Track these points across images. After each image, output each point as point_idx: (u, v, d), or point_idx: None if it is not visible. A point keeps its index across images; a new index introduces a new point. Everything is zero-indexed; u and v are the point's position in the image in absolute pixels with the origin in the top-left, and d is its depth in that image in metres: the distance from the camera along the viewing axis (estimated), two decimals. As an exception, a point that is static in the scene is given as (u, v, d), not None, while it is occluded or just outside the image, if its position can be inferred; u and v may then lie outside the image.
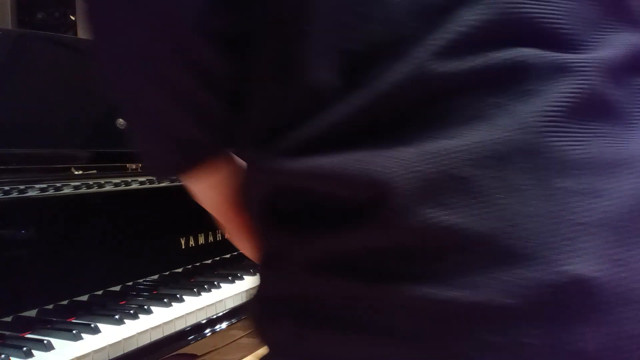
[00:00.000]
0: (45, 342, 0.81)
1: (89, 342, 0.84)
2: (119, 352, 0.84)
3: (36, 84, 1.12)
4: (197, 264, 1.30)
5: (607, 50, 0.28)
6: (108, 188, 1.07)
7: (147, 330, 0.89)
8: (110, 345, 0.83)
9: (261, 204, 0.34)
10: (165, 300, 1.01)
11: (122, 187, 1.10)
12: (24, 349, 0.78)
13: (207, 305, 1.03)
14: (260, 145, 0.33)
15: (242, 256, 1.40)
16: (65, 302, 1.00)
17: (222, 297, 1.06)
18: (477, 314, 0.24)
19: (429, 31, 0.27)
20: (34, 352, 0.79)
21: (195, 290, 1.08)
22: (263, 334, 0.36)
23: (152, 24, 0.33)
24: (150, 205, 1.19)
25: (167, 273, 1.22)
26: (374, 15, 0.28)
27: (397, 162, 0.25)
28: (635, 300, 0.24)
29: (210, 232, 1.31)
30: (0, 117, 1.00)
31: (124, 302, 1.04)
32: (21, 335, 0.87)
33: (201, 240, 1.29)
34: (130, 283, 1.12)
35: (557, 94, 0.26)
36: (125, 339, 0.86)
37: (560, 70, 0.27)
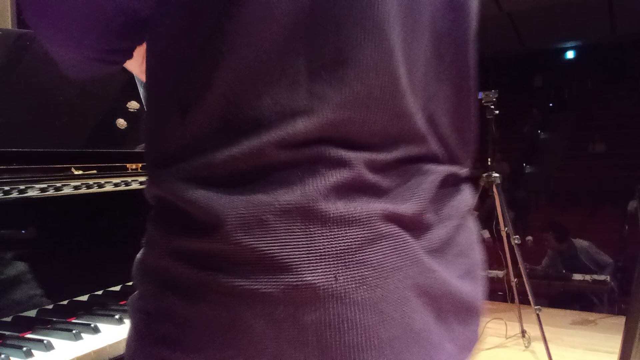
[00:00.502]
0: (45, 342, 0.81)
1: (89, 342, 0.84)
2: (119, 352, 0.84)
3: (36, 84, 1.12)
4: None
5: (381, 153, 0.46)
6: (108, 188, 1.07)
7: (147, 330, 0.89)
8: (110, 345, 0.83)
9: (152, 203, 0.56)
10: (165, 300, 1.01)
11: (122, 187, 1.10)
12: (24, 349, 0.78)
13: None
14: (160, 164, 0.50)
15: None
16: (65, 302, 1.00)
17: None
18: (255, 296, 0.42)
19: (279, 126, 0.43)
20: (34, 352, 0.79)
21: (195, 290, 1.08)
22: (136, 284, 0.54)
23: None
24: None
25: (167, 273, 1.22)
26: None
27: (231, 205, 0.43)
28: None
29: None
30: (0, 117, 1.00)
31: (124, 302, 1.04)
32: (21, 335, 0.87)
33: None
34: (130, 283, 1.12)
35: (333, 177, 0.43)
36: (125, 339, 0.86)
37: (340, 162, 0.44)
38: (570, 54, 6.82)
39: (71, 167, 1.00)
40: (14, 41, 1.14)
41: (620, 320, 2.70)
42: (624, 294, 4.38)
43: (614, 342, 2.99)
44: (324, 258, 0.43)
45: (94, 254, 1.06)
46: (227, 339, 0.43)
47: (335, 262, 0.43)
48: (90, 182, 1.03)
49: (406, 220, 0.46)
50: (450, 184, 0.53)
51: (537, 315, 2.86)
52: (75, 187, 1.00)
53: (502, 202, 3.02)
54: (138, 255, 0.56)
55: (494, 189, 3.02)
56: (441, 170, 0.51)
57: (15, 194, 0.90)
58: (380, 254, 0.44)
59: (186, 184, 0.45)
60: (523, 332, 3.28)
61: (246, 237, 0.42)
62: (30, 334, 0.87)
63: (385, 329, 0.43)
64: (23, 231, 0.94)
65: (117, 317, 0.92)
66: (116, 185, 1.09)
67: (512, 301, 3.35)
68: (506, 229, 3.04)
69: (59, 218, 1.00)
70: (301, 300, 0.42)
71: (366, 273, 0.43)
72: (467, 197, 0.56)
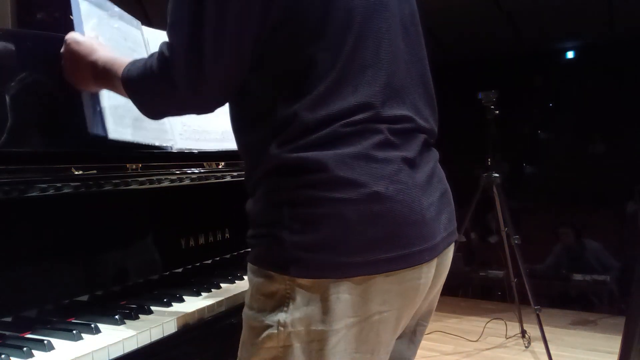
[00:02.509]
0: (45, 342, 0.81)
1: (89, 342, 0.84)
2: (119, 352, 0.84)
3: (36, 84, 1.11)
4: (197, 264, 1.30)
5: (396, 125, 0.85)
6: (108, 188, 1.07)
7: (147, 330, 0.89)
8: (110, 345, 0.83)
9: (272, 169, 0.83)
10: (165, 300, 1.01)
11: (122, 187, 1.10)
12: (24, 349, 0.78)
13: (208, 305, 1.02)
14: (280, 144, 0.82)
15: (242, 256, 1.40)
16: (65, 302, 1.00)
17: (222, 297, 1.06)
18: (347, 200, 0.79)
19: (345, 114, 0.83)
20: (34, 352, 0.79)
21: (195, 290, 1.08)
22: (263, 218, 0.85)
23: None
24: (150, 205, 1.19)
25: (167, 273, 1.22)
26: None
27: (328, 157, 0.79)
28: None
29: (210, 232, 1.31)
30: (0, 117, 1.00)
31: (124, 302, 1.04)
32: (21, 335, 0.87)
33: (201, 240, 1.29)
34: (130, 283, 1.12)
35: (375, 138, 0.82)
36: (125, 339, 0.86)
37: (377, 131, 0.84)
38: (570, 54, 6.82)
39: (71, 167, 1.00)
40: (14, 41, 1.14)
41: (620, 320, 2.70)
42: (624, 294, 4.38)
43: (614, 342, 2.98)
44: (380, 179, 0.79)
45: (94, 254, 1.06)
46: (335, 222, 0.77)
47: (385, 181, 0.79)
48: (90, 182, 1.03)
49: (409, 161, 0.84)
50: (427, 144, 0.91)
51: (537, 315, 2.86)
52: (75, 187, 1.00)
53: (502, 202, 3.02)
54: (254, 204, 0.87)
55: (494, 189, 3.02)
56: (422, 136, 0.90)
57: (15, 194, 0.90)
58: (405, 177, 0.82)
59: (300, 151, 0.79)
60: (523, 332, 3.28)
61: (340, 171, 0.78)
62: (30, 334, 0.87)
63: (413, 215, 0.81)
64: (23, 231, 0.94)
65: (117, 317, 0.92)
66: (116, 185, 1.08)
67: (512, 301, 3.35)
68: (506, 229, 3.04)
69: (59, 218, 1.00)
70: (372, 199, 0.78)
71: (400, 186, 0.80)
72: (435, 151, 0.96)
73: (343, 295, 0.78)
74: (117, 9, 1.27)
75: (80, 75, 1.05)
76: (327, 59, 0.81)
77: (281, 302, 0.80)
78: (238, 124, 0.92)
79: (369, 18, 0.84)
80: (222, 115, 1.54)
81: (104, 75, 0.99)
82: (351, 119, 0.80)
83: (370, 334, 0.81)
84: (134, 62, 0.93)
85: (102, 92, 1.10)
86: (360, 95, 0.82)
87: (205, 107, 0.91)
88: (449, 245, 0.92)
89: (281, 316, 0.79)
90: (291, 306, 0.79)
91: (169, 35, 0.85)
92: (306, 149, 0.79)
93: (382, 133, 0.82)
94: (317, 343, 0.79)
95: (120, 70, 0.94)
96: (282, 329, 0.79)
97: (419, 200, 0.82)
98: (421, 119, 0.90)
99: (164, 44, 0.86)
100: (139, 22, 1.35)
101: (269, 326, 0.80)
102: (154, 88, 0.89)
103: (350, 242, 0.77)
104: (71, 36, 1.07)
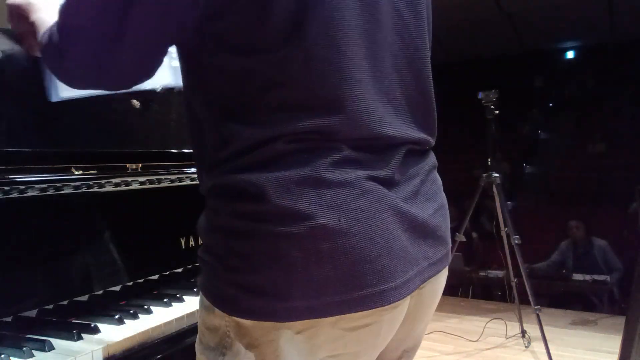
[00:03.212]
0: (45, 342, 0.81)
1: (89, 342, 0.84)
2: (119, 352, 0.84)
3: (36, 84, 1.11)
4: (197, 264, 1.30)
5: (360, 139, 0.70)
6: (108, 188, 1.07)
7: (147, 330, 0.89)
8: (110, 345, 0.83)
9: (213, 187, 0.72)
10: (165, 300, 1.01)
11: (122, 187, 1.10)
12: (24, 349, 0.78)
13: (207, 305, 1.02)
14: (217, 164, 0.71)
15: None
16: (65, 302, 1.00)
17: (222, 297, 1.06)
18: (290, 235, 0.65)
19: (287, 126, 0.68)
20: (34, 352, 0.79)
21: (195, 290, 1.08)
22: (204, 238, 0.75)
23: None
24: (150, 205, 1.19)
25: (167, 273, 1.22)
26: None
27: (268, 181, 0.66)
28: None
29: (210, 232, 1.31)
30: (0, 117, 1.00)
31: (124, 302, 1.04)
32: (21, 335, 0.87)
33: (201, 240, 1.28)
34: (130, 283, 1.12)
35: (329, 157, 0.67)
36: (125, 339, 0.86)
37: (333, 148, 0.69)
38: (570, 54, 6.81)
39: (71, 167, 1.00)
40: (14, 41, 1.14)
41: (620, 320, 2.70)
42: (624, 294, 4.38)
43: (614, 342, 2.98)
44: (331, 208, 0.65)
45: (94, 254, 1.06)
46: (273, 262, 0.65)
47: (338, 210, 0.65)
48: (90, 182, 1.03)
49: (382, 180, 0.70)
50: (414, 154, 0.77)
51: (537, 315, 2.86)
52: (75, 187, 1.00)
53: (502, 202, 3.02)
54: (201, 220, 0.76)
55: (494, 189, 3.02)
56: (405, 146, 0.75)
57: (15, 194, 0.90)
58: (367, 202, 0.67)
59: (238, 172, 0.68)
60: (523, 332, 3.28)
61: (280, 199, 0.65)
62: (30, 334, 0.87)
63: (375, 250, 0.67)
64: (23, 231, 0.94)
65: (117, 317, 0.92)
66: (116, 185, 1.09)
67: (512, 301, 3.35)
68: (506, 229, 3.04)
69: (59, 218, 1.00)
70: (319, 235, 0.64)
71: (359, 215, 0.66)
72: (430, 159, 0.83)
73: (286, 341, 0.67)
74: None
75: (22, 36, 0.93)
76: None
77: (221, 341, 0.71)
78: (188, 131, 0.80)
79: None
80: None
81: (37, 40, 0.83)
82: (299, 132, 0.66)
83: None
84: (51, 26, 0.75)
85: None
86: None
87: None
88: (433, 275, 0.77)
89: None
90: (230, 352, 0.70)
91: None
92: (243, 170, 0.67)
93: (340, 149, 0.67)
94: None
95: (43, 32, 0.78)
96: None
97: (387, 230, 0.68)
98: (404, 125, 0.75)
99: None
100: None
101: None
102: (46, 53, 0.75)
103: (292, 286, 0.65)
104: None
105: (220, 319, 0.71)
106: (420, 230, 0.73)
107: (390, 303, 0.68)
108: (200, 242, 1.28)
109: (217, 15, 0.65)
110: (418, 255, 0.72)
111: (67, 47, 0.70)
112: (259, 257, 0.66)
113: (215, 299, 0.71)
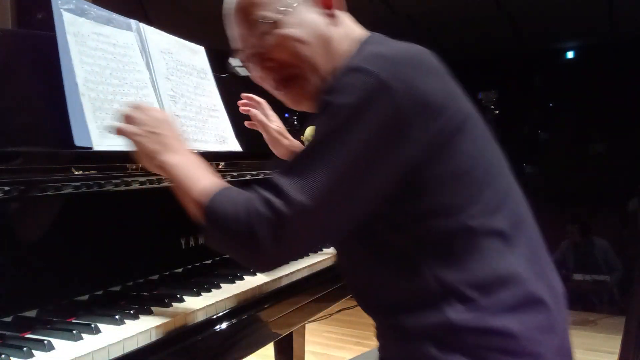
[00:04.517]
0: (45, 342, 0.81)
1: (89, 342, 0.84)
2: (119, 352, 0.84)
3: (36, 84, 1.11)
4: (197, 264, 1.30)
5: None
6: (108, 188, 1.07)
7: (147, 330, 0.89)
8: (110, 345, 0.83)
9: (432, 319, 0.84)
10: (165, 300, 1.01)
11: (122, 187, 1.10)
12: (24, 349, 0.78)
13: (207, 305, 1.02)
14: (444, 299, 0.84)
15: (242, 256, 1.40)
16: (65, 302, 1.00)
17: (222, 297, 1.06)
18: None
19: None
20: (34, 352, 0.79)
21: (195, 290, 1.08)
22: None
23: None
24: (150, 205, 1.19)
25: (167, 273, 1.22)
26: None
27: (520, 327, 0.83)
28: None
29: (210, 232, 1.30)
30: (0, 117, 1.00)
31: (124, 302, 1.04)
32: (21, 335, 0.87)
33: (201, 240, 1.29)
34: (130, 283, 1.12)
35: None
36: (125, 339, 0.86)
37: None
38: (570, 54, 6.81)
39: (71, 167, 1.00)
40: (14, 41, 1.14)
41: (620, 320, 2.69)
42: (624, 294, 4.37)
43: (614, 342, 2.98)
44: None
45: (94, 254, 1.06)
46: None
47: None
48: (90, 182, 1.03)
49: None
50: None
51: (537, 315, 2.85)
52: (75, 187, 1.00)
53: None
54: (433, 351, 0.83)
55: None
56: None
57: (15, 194, 0.90)
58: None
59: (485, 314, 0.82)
60: (523, 332, 3.27)
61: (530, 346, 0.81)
62: (30, 334, 0.87)
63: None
64: (23, 231, 0.94)
65: (117, 317, 0.92)
66: (116, 185, 1.08)
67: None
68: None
69: (59, 218, 1.00)
70: None
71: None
72: None
73: None
74: (104, 12, 1.25)
75: (142, 154, 0.96)
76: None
77: None
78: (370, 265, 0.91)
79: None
80: (220, 117, 1.54)
81: (172, 175, 0.93)
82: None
83: None
84: (223, 192, 0.87)
85: (86, 105, 1.08)
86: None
87: (277, 265, 0.88)
88: None
89: None
90: None
91: (285, 183, 0.80)
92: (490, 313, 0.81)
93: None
94: None
95: (197, 188, 0.88)
96: None
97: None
98: None
99: (272, 192, 0.81)
100: (135, 22, 1.34)
101: None
102: (235, 237, 0.83)
103: None
104: (154, 115, 0.97)
105: None
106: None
107: None
108: (201, 241, 1.28)
109: None
110: None
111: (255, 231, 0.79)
112: None
113: None
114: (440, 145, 0.82)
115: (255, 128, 1.44)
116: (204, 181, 0.90)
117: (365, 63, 0.81)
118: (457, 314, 0.80)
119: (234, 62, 1.04)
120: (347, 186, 0.80)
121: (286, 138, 1.43)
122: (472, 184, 0.85)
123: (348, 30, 0.98)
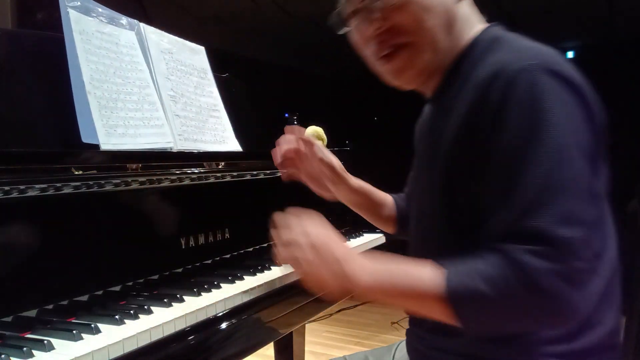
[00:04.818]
0: (45, 342, 0.81)
1: (89, 342, 0.84)
2: (119, 352, 0.84)
3: (36, 84, 1.12)
4: (197, 264, 1.30)
5: None
6: (108, 188, 1.07)
7: (147, 330, 0.89)
8: (110, 345, 0.83)
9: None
10: (165, 300, 1.01)
11: (122, 187, 1.10)
12: (24, 349, 0.78)
13: (207, 305, 1.02)
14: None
15: (242, 256, 1.40)
16: (65, 302, 1.00)
17: (222, 297, 1.06)
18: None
19: None
20: (34, 352, 0.79)
21: (195, 290, 1.08)
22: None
23: None
24: (150, 205, 1.19)
25: (167, 273, 1.22)
26: None
27: None
28: None
29: (210, 232, 1.31)
30: (0, 116, 1.00)
31: (124, 302, 1.04)
32: (21, 335, 0.87)
33: (201, 240, 1.29)
34: (130, 283, 1.12)
35: None
36: (125, 339, 0.86)
37: None
38: (570, 54, 6.81)
39: (71, 167, 1.00)
40: (14, 41, 1.14)
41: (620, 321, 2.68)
42: (624, 294, 4.37)
43: (614, 342, 2.97)
44: None
45: (94, 254, 1.06)
46: None
47: None
48: (90, 182, 1.03)
49: None
50: None
51: (537, 315, 2.85)
52: (75, 187, 1.00)
53: (502, 202, 3.00)
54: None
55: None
56: None
57: (15, 194, 0.90)
58: None
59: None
60: (523, 332, 3.27)
61: None
62: (30, 334, 0.87)
63: None
64: (23, 231, 0.94)
65: (117, 317, 0.92)
66: (116, 185, 1.08)
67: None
68: (506, 229, 3.03)
69: (59, 218, 1.00)
70: None
71: None
72: None
73: None
74: (107, 11, 1.26)
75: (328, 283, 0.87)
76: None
77: None
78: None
79: None
80: (220, 117, 1.54)
81: (389, 289, 0.82)
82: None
83: None
84: (457, 271, 0.76)
85: (92, 103, 1.09)
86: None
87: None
88: None
89: None
90: None
91: (533, 226, 0.73)
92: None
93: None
94: None
95: (430, 283, 0.77)
96: None
97: None
98: None
99: (528, 243, 0.73)
100: (135, 21, 1.34)
101: None
102: (526, 302, 0.74)
103: None
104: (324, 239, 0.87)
105: None
106: None
107: None
108: (201, 241, 1.28)
109: None
110: None
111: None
112: None
113: None
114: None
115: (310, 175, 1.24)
116: (424, 274, 0.78)
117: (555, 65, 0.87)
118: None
119: (336, 18, 0.96)
120: (587, 195, 0.79)
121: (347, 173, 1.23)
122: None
123: (470, 14, 0.97)
